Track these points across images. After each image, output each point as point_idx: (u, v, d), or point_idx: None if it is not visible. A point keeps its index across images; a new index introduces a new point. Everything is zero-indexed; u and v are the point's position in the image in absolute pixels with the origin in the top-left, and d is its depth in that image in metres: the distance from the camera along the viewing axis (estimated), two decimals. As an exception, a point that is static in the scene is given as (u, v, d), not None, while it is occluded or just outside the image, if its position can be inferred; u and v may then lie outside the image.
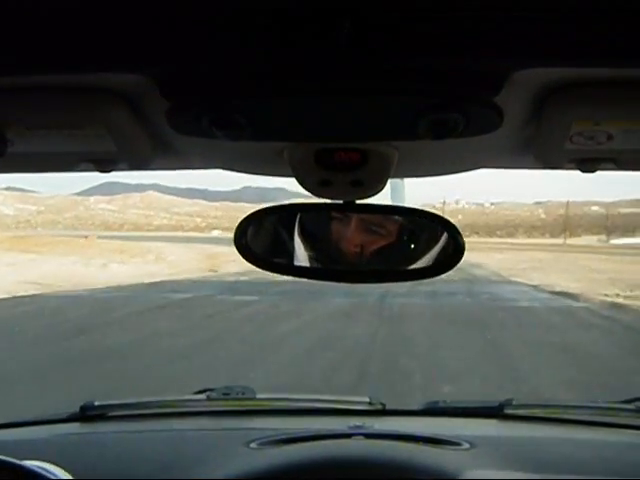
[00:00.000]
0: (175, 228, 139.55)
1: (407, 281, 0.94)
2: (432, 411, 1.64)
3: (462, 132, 0.59)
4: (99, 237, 40.36)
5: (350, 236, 0.92)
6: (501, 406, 1.57)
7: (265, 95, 0.56)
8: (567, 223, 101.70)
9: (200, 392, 1.66)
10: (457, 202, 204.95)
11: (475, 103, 0.57)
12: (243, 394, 1.63)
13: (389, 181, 0.79)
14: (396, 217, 0.94)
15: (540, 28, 0.47)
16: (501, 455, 1.36)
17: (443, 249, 0.90)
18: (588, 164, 0.73)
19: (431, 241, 0.91)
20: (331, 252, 0.93)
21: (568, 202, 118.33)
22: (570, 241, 76.30)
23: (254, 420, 1.67)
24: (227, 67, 0.53)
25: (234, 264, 18.49)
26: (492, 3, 0.47)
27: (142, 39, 0.49)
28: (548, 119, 0.63)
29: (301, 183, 0.78)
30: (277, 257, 0.97)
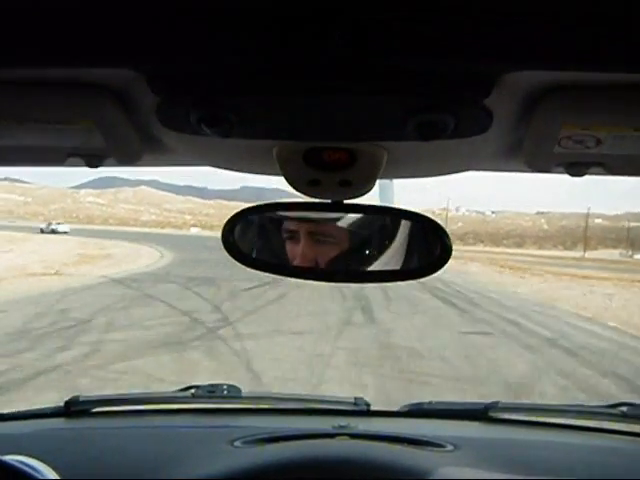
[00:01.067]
0: (161, 224, 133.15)
1: (394, 282, 0.93)
2: (417, 412, 1.66)
3: (451, 134, 0.58)
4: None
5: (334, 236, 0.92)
6: (486, 409, 1.59)
7: (254, 93, 0.55)
8: (585, 235, 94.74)
9: (185, 389, 1.67)
10: (457, 209, 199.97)
11: (465, 105, 0.56)
12: (228, 392, 1.65)
13: (378, 181, 0.79)
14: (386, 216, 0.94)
15: (531, 31, 0.47)
16: (484, 457, 1.37)
17: (430, 250, 0.90)
18: (577, 168, 0.72)
19: (416, 240, 0.91)
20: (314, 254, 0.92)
21: (588, 212, 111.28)
22: (589, 254, 69.38)
23: (238, 419, 1.68)
24: (217, 64, 0.53)
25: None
26: (483, 6, 0.46)
27: (133, 34, 0.49)
28: (537, 122, 0.62)
29: (290, 182, 0.77)
30: (263, 256, 0.96)
